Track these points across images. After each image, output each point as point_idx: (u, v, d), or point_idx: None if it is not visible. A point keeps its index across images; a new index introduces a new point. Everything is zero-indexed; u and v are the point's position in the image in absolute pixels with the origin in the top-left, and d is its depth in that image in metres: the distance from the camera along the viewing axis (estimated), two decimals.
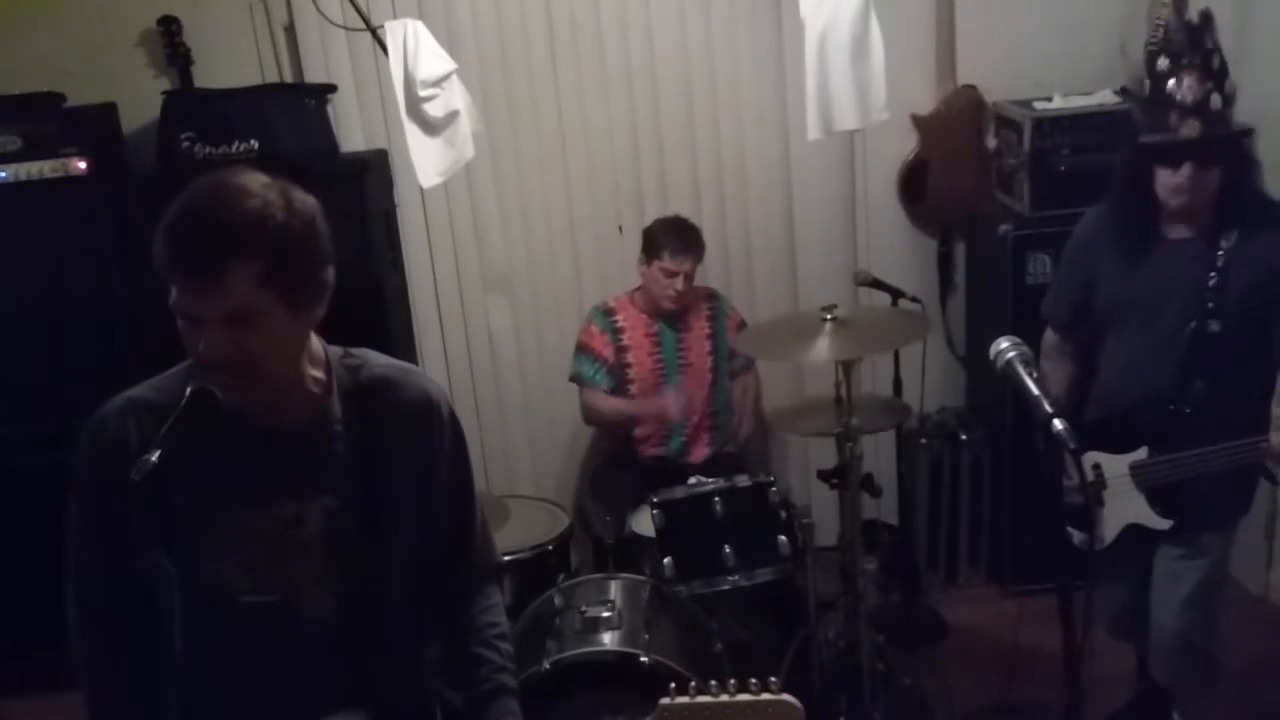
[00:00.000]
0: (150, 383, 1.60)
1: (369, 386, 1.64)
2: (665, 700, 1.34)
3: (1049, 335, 2.75)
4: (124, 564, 1.51)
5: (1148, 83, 2.43)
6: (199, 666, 1.46)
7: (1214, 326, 2.38)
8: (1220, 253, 2.37)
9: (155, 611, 1.46)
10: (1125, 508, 2.50)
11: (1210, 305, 2.38)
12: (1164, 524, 2.47)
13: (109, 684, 1.59)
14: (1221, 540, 2.54)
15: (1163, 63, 2.36)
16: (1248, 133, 2.43)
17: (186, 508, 1.46)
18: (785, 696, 1.32)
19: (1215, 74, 2.32)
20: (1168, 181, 2.37)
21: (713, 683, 1.32)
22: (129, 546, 1.49)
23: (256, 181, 1.45)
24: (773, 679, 1.30)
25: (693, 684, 1.33)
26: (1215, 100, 2.31)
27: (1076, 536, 2.36)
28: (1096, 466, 2.52)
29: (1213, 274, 2.37)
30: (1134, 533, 2.52)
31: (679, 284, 3.40)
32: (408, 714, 1.72)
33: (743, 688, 1.31)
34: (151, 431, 1.46)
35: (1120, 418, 2.53)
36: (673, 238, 3.41)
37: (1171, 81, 2.33)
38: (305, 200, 1.49)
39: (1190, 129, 2.31)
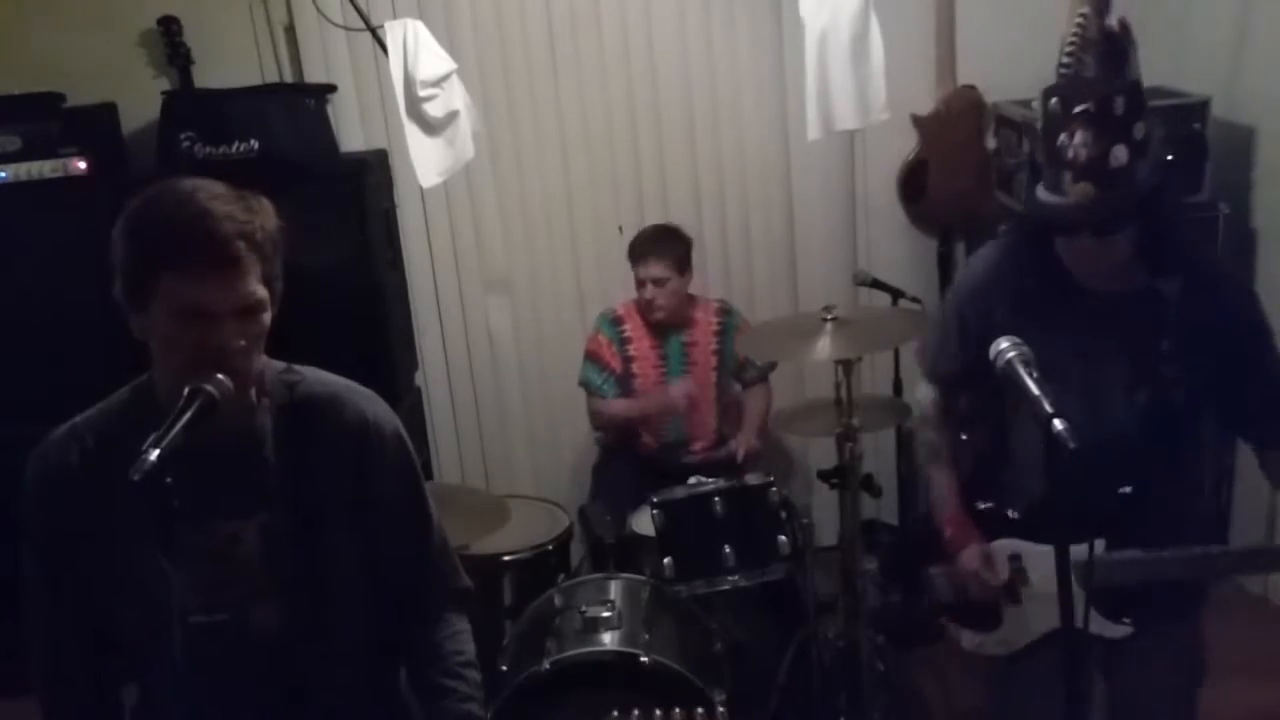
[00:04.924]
0: (93, 408, 1.63)
1: (305, 403, 1.62)
2: None
3: (932, 396, 2.31)
4: (86, 602, 1.55)
5: (1040, 121, 1.96)
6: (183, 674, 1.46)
7: (1173, 395, 1.99)
8: (1167, 307, 1.97)
9: (132, 635, 1.51)
10: (1049, 610, 1.70)
11: (1164, 370, 1.97)
12: (1119, 630, 2.03)
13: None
14: (1191, 627, 2.13)
15: (1054, 104, 1.90)
16: (1162, 177, 1.91)
17: (184, 508, 1.46)
18: None
19: (1118, 120, 1.84)
20: (1066, 248, 1.99)
21: (656, 711, 1.31)
22: (92, 580, 1.54)
23: (217, 184, 1.50)
24: (720, 709, 1.30)
25: (636, 712, 1.32)
26: (1117, 155, 1.83)
27: (969, 639, 2.14)
28: (1015, 557, 2.11)
29: (1164, 334, 1.97)
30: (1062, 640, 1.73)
31: (649, 292, 3.40)
32: None
33: (688, 717, 1.30)
34: (95, 455, 1.53)
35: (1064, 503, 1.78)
36: (638, 244, 3.44)
37: (1063, 135, 1.87)
38: (269, 205, 1.54)
39: (1083, 193, 1.85)
